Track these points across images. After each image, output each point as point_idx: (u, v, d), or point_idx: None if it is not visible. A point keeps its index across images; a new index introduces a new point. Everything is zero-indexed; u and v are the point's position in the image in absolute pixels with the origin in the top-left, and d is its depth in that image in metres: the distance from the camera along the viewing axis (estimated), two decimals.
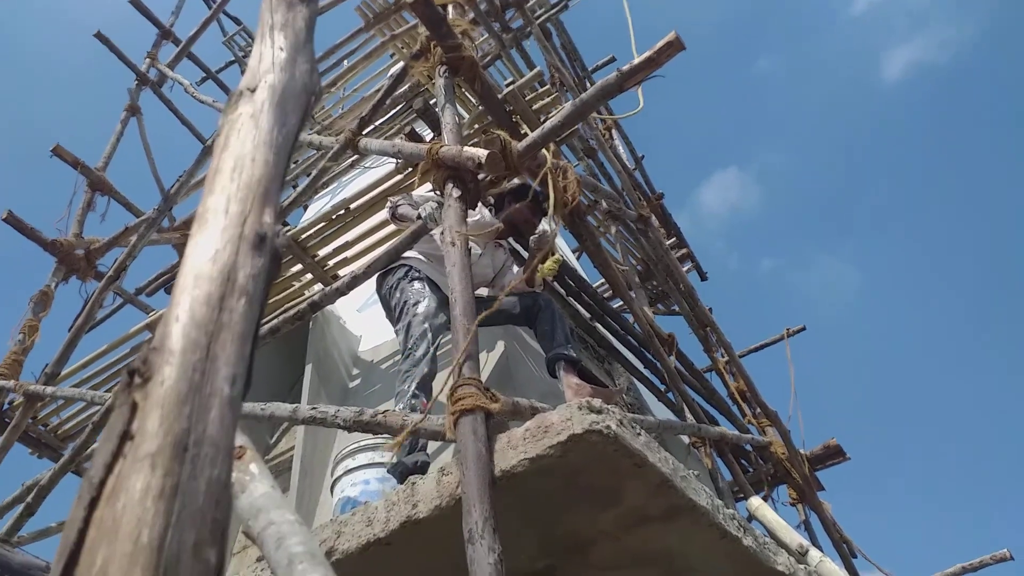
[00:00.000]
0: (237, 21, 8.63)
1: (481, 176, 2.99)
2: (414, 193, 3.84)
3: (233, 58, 8.67)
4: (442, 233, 2.80)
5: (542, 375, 3.54)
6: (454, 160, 2.88)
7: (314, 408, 2.54)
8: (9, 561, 1.26)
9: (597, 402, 2.13)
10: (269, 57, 0.82)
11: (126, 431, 0.53)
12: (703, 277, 7.84)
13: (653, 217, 5.56)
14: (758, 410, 4.99)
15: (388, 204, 3.60)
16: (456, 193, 2.84)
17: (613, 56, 8.02)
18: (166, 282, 6.72)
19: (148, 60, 6.70)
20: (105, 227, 5.73)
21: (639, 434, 2.14)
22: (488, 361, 3.66)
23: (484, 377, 2.24)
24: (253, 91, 0.79)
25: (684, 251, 7.44)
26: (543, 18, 5.93)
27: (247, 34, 8.57)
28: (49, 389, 4.13)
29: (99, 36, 6.57)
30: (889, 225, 27.63)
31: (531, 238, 3.64)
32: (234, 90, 0.83)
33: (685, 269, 6.97)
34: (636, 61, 2.72)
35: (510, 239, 3.88)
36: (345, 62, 7.33)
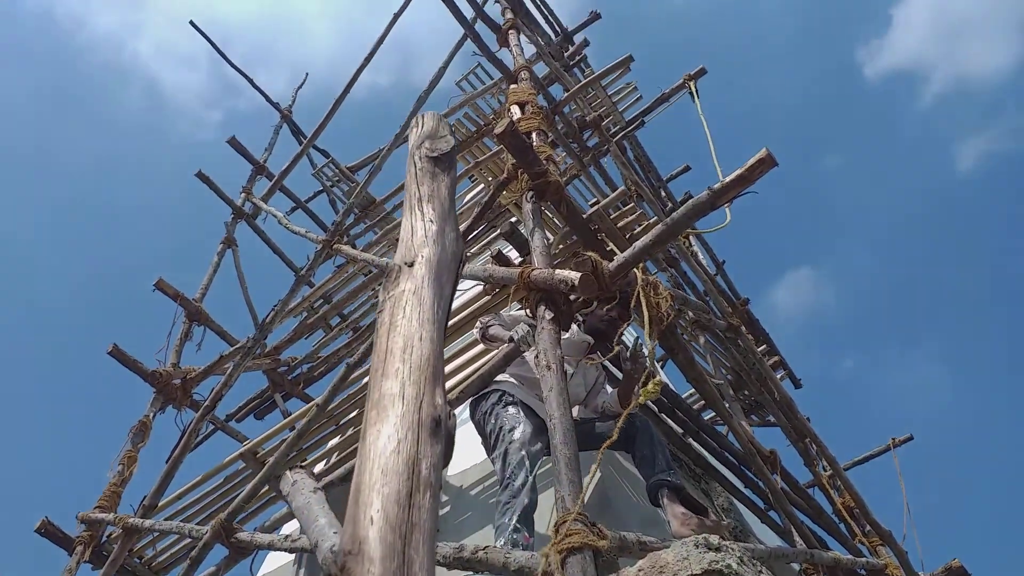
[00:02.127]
0: (325, 154, 9.06)
1: (572, 297, 2.99)
2: (503, 312, 3.86)
3: (321, 188, 9.09)
4: (536, 356, 2.78)
5: (640, 500, 3.39)
6: (546, 283, 2.90)
7: None
8: None
9: (715, 538, 2.01)
10: (421, 230, 0.84)
11: None
12: (797, 385, 7.53)
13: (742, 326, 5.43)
14: (867, 528, 4.64)
15: (478, 324, 3.61)
16: (549, 315, 2.84)
17: (687, 165, 8.14)
18: (254, 408, 6.87)
19: (243, 195, 7.07)
20: (200, 356, 5.90)
21: (760, 572, 2.00)
22: (584, 486, 3.53)
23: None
24: (411, 265, 0.80)
25: (776, 359, 7.20)
26: (619, 136, 6.07)
27: (335, 166, 8.99)
28: (147, 522, 4.18)
29: (200, 175, 7.02)
30: (975, 318, 26.16)
31: (623, 358, 3.56)
32: (391, 264, 0.84)
33: (778, 377, 6.72)
34: (728, 179, 2.71)
35: (599, 354, 3.83)
36: None
